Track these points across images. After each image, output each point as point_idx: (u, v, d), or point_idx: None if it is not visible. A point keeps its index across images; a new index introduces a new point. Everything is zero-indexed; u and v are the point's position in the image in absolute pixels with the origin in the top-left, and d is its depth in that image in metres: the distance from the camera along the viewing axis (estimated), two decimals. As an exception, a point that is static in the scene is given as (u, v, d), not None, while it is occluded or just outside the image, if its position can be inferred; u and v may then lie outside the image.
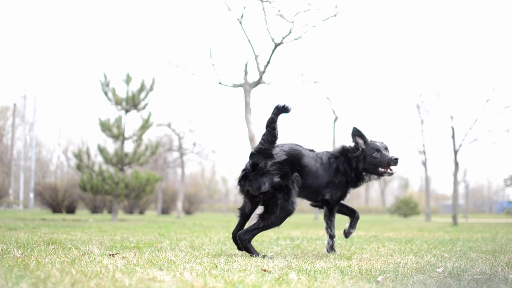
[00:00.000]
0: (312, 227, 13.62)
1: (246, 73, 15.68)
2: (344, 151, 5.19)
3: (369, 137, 5.23)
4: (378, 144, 5.12)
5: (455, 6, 68.01)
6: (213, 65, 15.77)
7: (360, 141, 5.13)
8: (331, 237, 5.28)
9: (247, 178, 4.77)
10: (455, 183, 23.02)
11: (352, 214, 5.41)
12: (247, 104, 15.41)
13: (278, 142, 4.85)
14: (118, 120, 18.44)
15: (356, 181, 5.17)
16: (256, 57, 15.57)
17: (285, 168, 4.75)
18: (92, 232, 8.05)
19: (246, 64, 15.74)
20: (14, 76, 67.71)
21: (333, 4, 14.79)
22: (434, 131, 26.67)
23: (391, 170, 5.05)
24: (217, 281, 2.99)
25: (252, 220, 5.18)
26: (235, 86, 15.81)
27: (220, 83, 15.86)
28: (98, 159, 26.02)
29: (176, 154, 32.30)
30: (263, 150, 4.71)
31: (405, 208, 36.61)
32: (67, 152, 48.46)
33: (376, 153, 5.05)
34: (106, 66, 58.66)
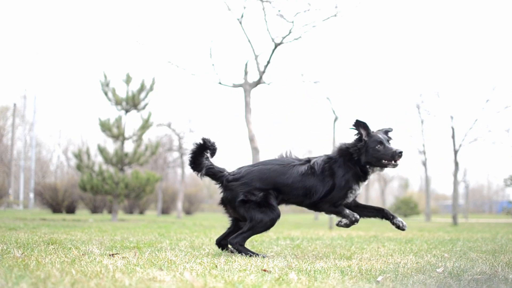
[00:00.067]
0: (312, 227, 13.62)
1: (246, 73, 15.68)
2: (341, 150, 5.08)
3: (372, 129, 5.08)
4: (380, 136, 4.97)
5: (455, 6, 67.99)
6: (213, 65, 15.77)
7: (364, 132, 4.98)
8: (345, 216, 5.00)
9: None
10: (455, 183, 23.02)
11: (380, 214, 5.14)
12: (247, 104, 15.41)
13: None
14: (118, 120, 18.44)
15: (363, 175, 5.00)
16: (256, 57, 15.57)
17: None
18: (92, 232, 8.05)
19: (246, 64, 15.74)
20: (14, 76, 67.71)
21: (333, 4, 14.80)
22: (434, 131, 26.72)
23: (395, 162, 4.90)
24: (217, 281, 2.99)
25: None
26: (235, 86, 15.81)
27: (220, 83, 15.86)
28: (98, 159, 26.01)
29: (176, 154, 32.32)
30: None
31: (405, 208, 36.60)
32: (67, 152, 48.44)
33: (379, 145, 4.90)
34: (106, 66, 58.64)
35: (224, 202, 5.13)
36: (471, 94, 31.56)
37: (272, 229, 5.11)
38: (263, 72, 15.48)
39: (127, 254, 4.53)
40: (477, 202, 65.00)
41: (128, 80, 18.67)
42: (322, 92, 22.64)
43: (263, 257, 4.64)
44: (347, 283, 3.16)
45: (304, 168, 5.00)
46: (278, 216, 4.92)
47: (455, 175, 22.83)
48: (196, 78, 29.31)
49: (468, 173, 46.68)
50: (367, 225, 15.53)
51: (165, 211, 36.55)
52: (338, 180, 4.95)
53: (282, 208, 5.32)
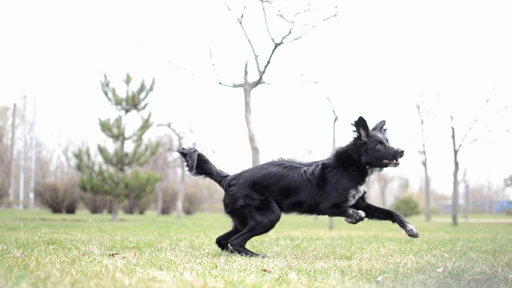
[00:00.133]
0: (312, 227, 13.62)
1: (246, 73, 15.67)
2: (339, 154, 5.01)
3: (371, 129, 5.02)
4: (380, 135, 4.92)
5: (455, 6, 67.98)
6: (213, 65, 15.76)
7: (363, 132, 4.92)
8: (349, 216, 4.91)
9: None
10: (455, 183, 23.02)
11: (390, 218, 5.01)
12: (247, 104, 15.41)
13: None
14: (118, 120, 18.44)
15: (362, 176, 4.94)
16: (256, 57, 15.57)
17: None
18: (92, 232, 8.05)
19: (246, 64, 15.73)
20: (14, 76, 67.71)
21: (333, 4, 14.79)
22: (434, 131, 26.71)
23: (396, 161, 4.85)
24: (217, 281, 2.99)
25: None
26: (235, 86, 15.80)
27: (220, 83, 15.85)
28: (98, 159, 26.00)
29: (176, 154, 32.31)
30: None
31: (405, 208, 36.59)
32: (67, 152, 48.42)
33: (379, 145, 4.85)
34: (106, 66, 58.65)
35: (225, 206, 5.13)
36: (471, 94, 31.56)
37: (272, 229, 5.11)
38: (263, 72, 15.47)
39: (127, 254, 4.53)
40: (477, 202, 64.98)
41: (128, 80, 18.67)
42: (322, 92, 22.67)
43: (263, 257, 4.64)
44: (347, 283, 3.16)
45: (303, 172, 4.97)
46: (278, 218, 4.93)
47: (455, 175, 22.83)
48: (196, 78, 29.30)
49: (468, 173, 46.68)
50: (367, 225, 15.53)
51: (165, 211, 36.55)
52: (336, 186, 4.90)
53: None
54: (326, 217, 29.16)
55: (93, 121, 55.54)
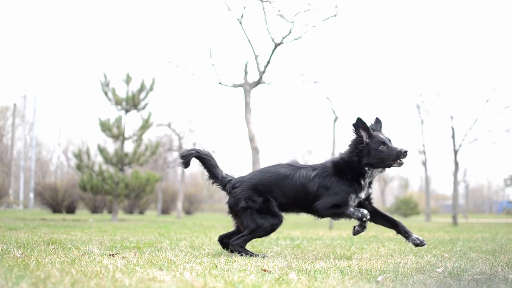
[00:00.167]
0: (312, 227, 13.62)
1: (246, 73, 15.68)
2: (336, 164, 4.94)
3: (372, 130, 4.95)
4: (382, 136, 4.85)
5: (455, 6, 67.98)
6: (213, 65, 15.77)
7: (364, 134, 4.85)
8: (349, 215, 4.87)
9: None
10: (455, 183, 23.02)
11: (395, 228, 4.95)
12: (247, 104, 15.41)
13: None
14: (118, 120, 18.44)
15: (362, 177, 4.86)
16: (256, 57, 15.57)
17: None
18: (92, 232, 8.05)
19: (246, 64, 15.74)
20: (14, 76, 67.72)
21: (333, 4, 14.79)
22: (434, 131, 26.70)
23: (400, 161, 4.77)
24: (217, 281, 2.99)
25: None
26: (235, 86, 15.80)
27: (220, 83, 15.85)
28: (98, 159, 26.02)
29: (176, 154, 32.30)
30: None
31: (405, 208, 36.61)
32: (67, 152, 48.43)
33: (382, 146, 4.77)
34: (106, 66, 58.63)
35: (229, 207, 5.13)
36: (471, 94, 31.54)
37: (273, 233, 5.12)
38: (263, 72, 15.48)
39: (127, 254, 4.53)
40: (477, 202, 64.97)
41: (128, 80, 18.67)
42: (322, 92, 22.62)
43: (263, 257, 4.65)
44: (347, 283, 3.16)
45: (304, 174, 4.95)
46: (279, 222, 4.92)
47: (455, 175, 22.83)
48: (196, 78, 29.28)
49: (468, 173, 46.71)
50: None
51: (165, 211, 36.55)
52: (336, 187, 4.86)
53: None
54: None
55: (93, 121, 55.59)
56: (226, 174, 5.23)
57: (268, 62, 15.39)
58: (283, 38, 15.13)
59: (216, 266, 3.80)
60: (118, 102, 18.51)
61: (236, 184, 5.07)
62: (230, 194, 5.08)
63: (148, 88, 18.82)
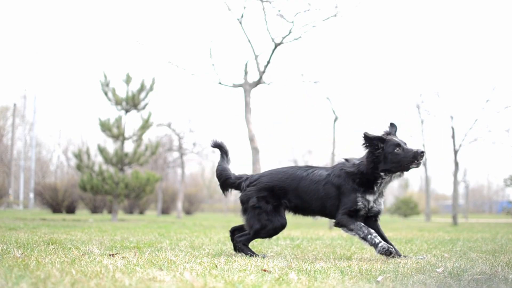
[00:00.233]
0: (312, 227, 13.63)
1: (246, 73, 15.68)
2: (349, 173, 4.86)
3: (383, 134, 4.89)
4: (396, 139, 4.76)
5: (455, 6, 67.97)
6: (213, 65, 15.78)
7: (376, 141, 4.74)
8: (351, 230, 4.76)
9: None
10: (455, 183, 23.03)
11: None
12: (247, 104, 15.41)
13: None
14: (118, 120, 18.45)
15: (372, 182, 4.77)
16: (256, 57, 15.57)
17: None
18: (92, 232, 8.05)
19: (246, 64, 15.74)
20: (14, 76, 67.72)
21: (333, 4, 14.80)
22: (434, 131, 26.68)
23: (418, 161, 4.66)
24: (217, 281, 2.99)
25: None
26: (235, 86, 15.81)
27: (220, 83, 15.86)
28: (98, 159, 26.00)
29: (176, 154, 32.32)
30: None
31: (405, 208, 36.58)
32: (67, 152, 48.41)
33: (397, 149, 4.68)
34: (106, 66, 58.63)
35: (241, 203, 5.12)
36: (471, 94, 31.50)
37: (276, 235, 5.15)
38: (263, 72, 15.48)
39: (127, 254, 4.53)
40: (477, 202, 64.97)
41: (128, 80, 18.68)
42: (322, 92, 22.62)
43: (263, 257, 4.65)
44: (347, 283, 3.15)
45: (317, 176, 4.93)
46: (282, 226, 4.92)
47: (455, 175, 22.84)
48: (196, 78, 29.29)
49: (468, 173, 46.67)
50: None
51: (165, 211, 36.56)
52: (347, 192, 4.80)
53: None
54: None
55: (93, 121, 55.45)
56: (238, 175, 5.23)
57: (268, 62, 15.40)
58: (283, 38, 15.14)
59: (216, 266, 3.80)
60: (118, 102, 18.52)
61: (252, 182, 5.05)
62: (244, 191, 5.07)
63: (148, 88, 18.83)
